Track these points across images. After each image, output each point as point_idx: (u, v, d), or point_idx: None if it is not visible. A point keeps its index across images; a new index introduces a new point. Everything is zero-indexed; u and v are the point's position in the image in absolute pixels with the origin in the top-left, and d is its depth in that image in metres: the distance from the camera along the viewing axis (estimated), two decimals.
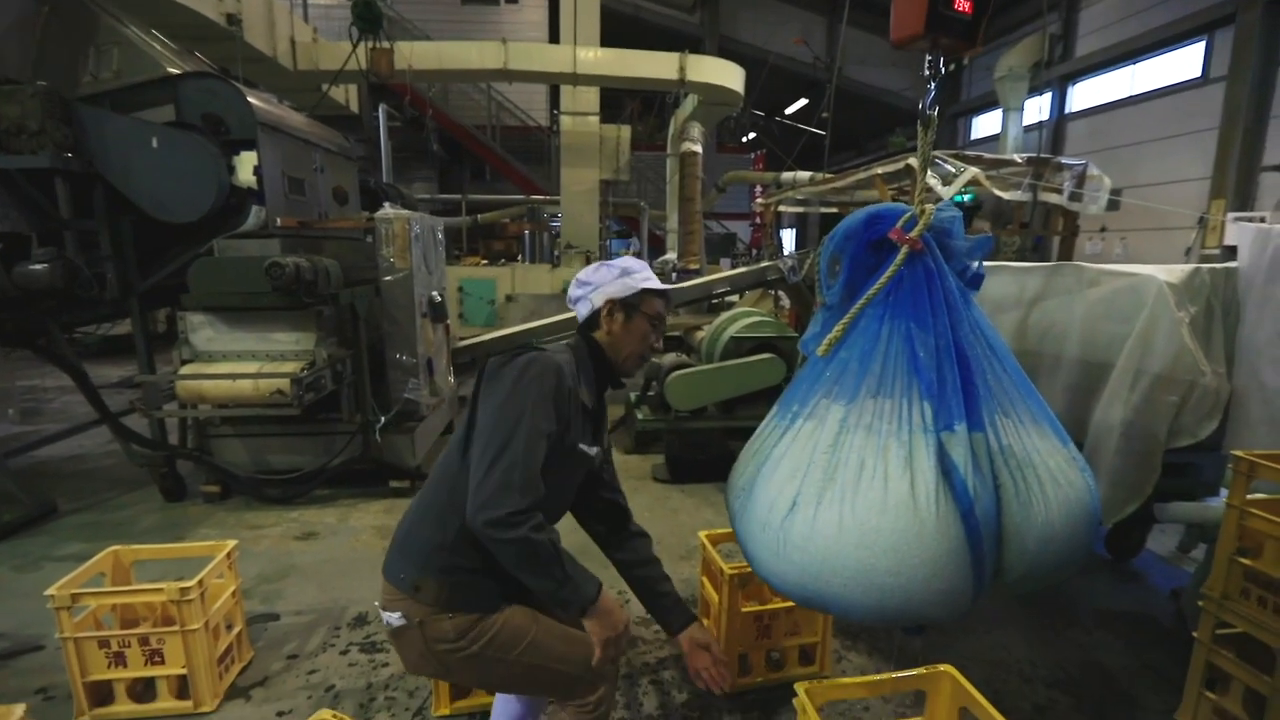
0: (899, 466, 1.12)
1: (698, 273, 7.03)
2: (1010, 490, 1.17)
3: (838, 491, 1.14)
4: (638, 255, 11.33)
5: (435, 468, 1.41)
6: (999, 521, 1.16)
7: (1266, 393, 2.40)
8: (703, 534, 2.29)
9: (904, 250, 1.24)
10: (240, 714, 1.96)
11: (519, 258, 9.86)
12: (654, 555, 1.64)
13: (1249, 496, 1.87)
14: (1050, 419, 1.31)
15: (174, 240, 3.39)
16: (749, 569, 2.02)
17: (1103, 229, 11.72)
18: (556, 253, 8.93)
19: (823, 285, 1.39)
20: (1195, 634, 2.00)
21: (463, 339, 5.33)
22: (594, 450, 1.42)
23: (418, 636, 1.29)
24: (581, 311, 1.45)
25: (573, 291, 1.47)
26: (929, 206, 1.27)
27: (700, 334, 5.20)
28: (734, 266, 10.15)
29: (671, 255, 8.39)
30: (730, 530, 2.39)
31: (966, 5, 1.13)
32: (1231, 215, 9.17)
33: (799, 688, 1.26)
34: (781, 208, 7.64)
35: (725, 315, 4.91)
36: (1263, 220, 8.12)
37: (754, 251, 11.43)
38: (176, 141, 3.16)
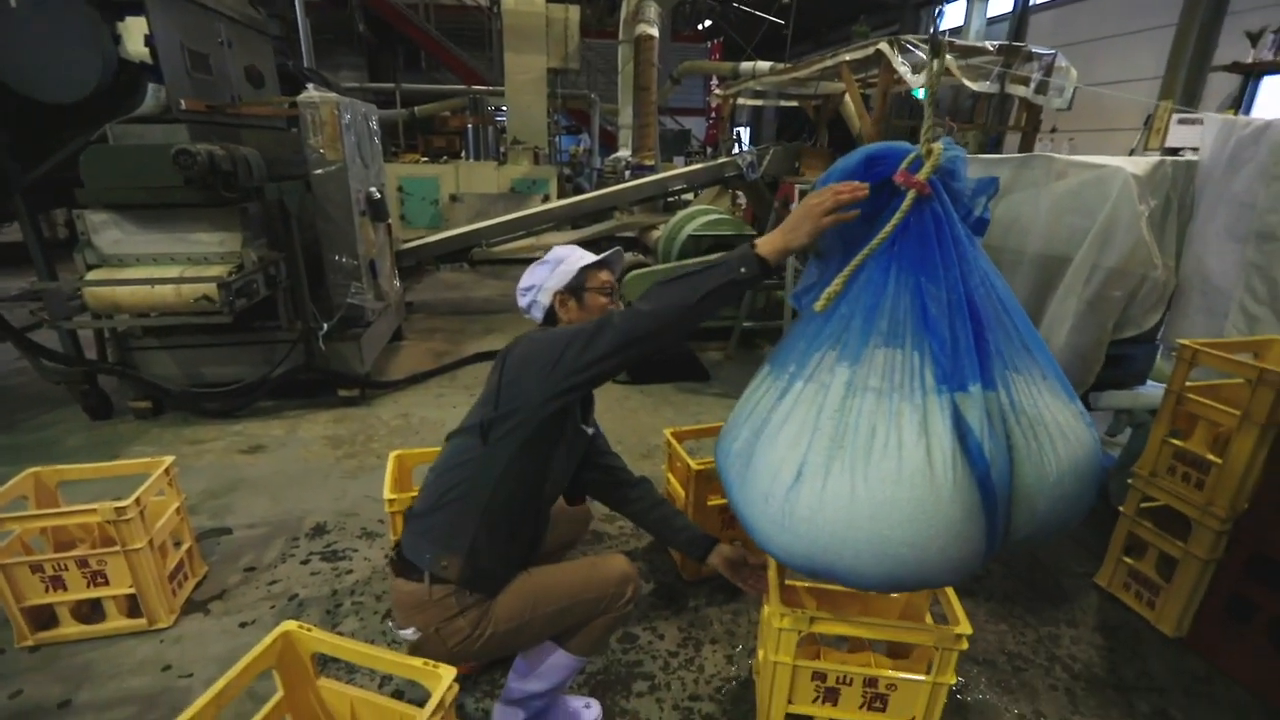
0: (914, 433, 1.04)
1: (653, 169, 6.72)
2: (1023, 450, 1.11)
3: (847, 460, 1.06)
4: (588, 152, 10.77)
5: (449, 454, 1.40)
6: (1011, 483, 1.10)
7: (1208, 285, 2.49)
8: (668, 431, 2.29)
9: (911, 195, 1.11)
10: (200, 627, 1.92)
11: (462, 154, 9.16)
12: (660, 496, 1.74)
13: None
14: (1057, 372, 1.24)
15: (61, 126, 2.93)
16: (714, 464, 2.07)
17: (1053, 129, 11.72)
18: (503, 149, 8.35)
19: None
20: (1121, 508, 2.17)
21: (406, 242, 5.02)
22: (590, 430, 1.52)
23: (436, 642, 1.32)
24: (537, 315, 1.50)
25: (521, 301, 1.52)
26: (936, 145, 1.12)
27: (656, 233, 5.05)
28: (689, 164, 9.81)
29: (624, 152, 7.98)
30: (696, 427, 2.44)
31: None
32: (1176, 117, 9.29)
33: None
34: (741, 100, 7.27)
35: (682, 213, 4.75)
36: (1197, 119, 8.25)
37: (709, 149, 11.00)
38: (41, 0, 2.65)
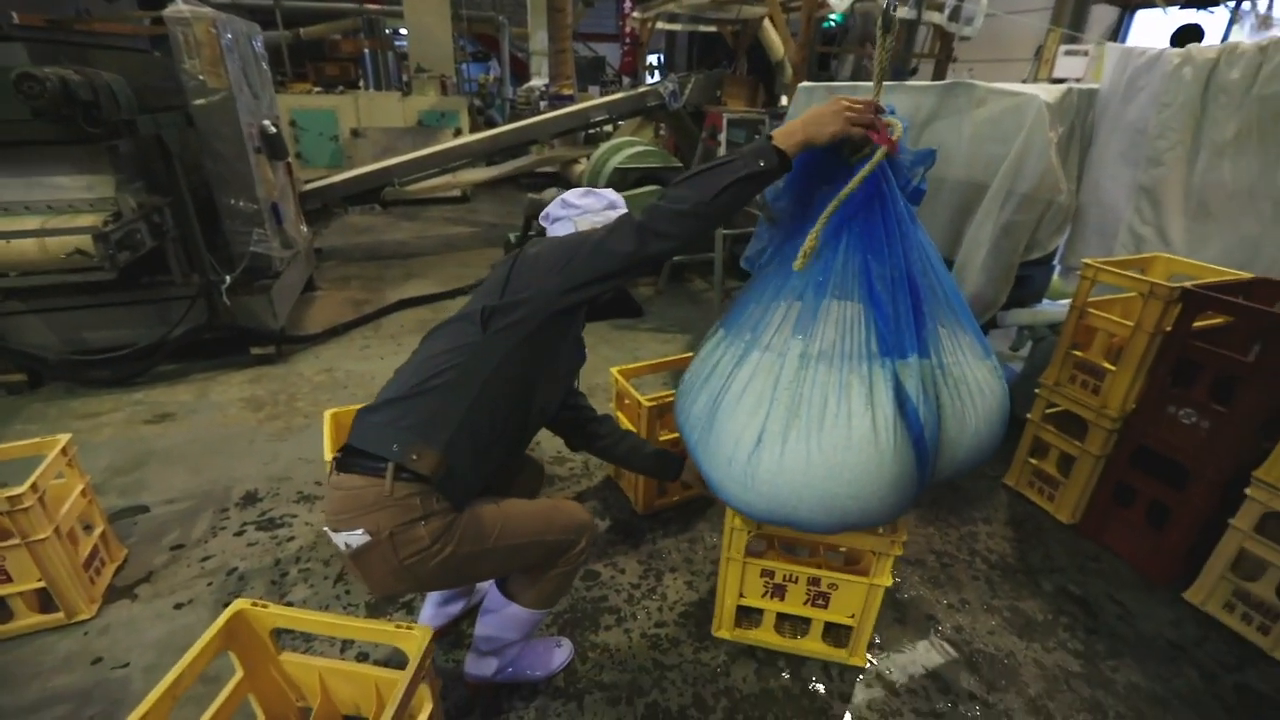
0: (861, 403, 1.13)
1: (572, 99, 6.40)
2: (949, 409, 1.23)
3: (803, 429, 1.14)
4: (499, 81, 10.09)
5: (436, 339, 1.29)
6: (939, 438, 1.23)
7: (1103, 207, 2.69)
8: (614, 370, 2.28)
9: (881, 151, 1.12)
10: (129, 614, 1.78)
11: (360, 84, 8.33)
12: (624, 430, 1.76)
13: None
14: (976, 331, 1.35)
15: None
16: (667, 400, 2.09)
17: (954, 59, 12.10)
18: (406, 78, 7.65)
19: (767, 200, 1.30)
20: (1029, 415, 2.40)
21: (308, 183, 4.59)
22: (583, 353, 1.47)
23: (388, 550, 1.14)
24: (557, 230, 1.44)
25: (555, 210, 1.46)
26: (892, 119, 1.15)
27: (579, 167, 4.88)
28: (604, 94, 9.43)
29: (538, 81, 7.54)
30: (640, 365, 2.44)
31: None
32: (1063, 48, 9.79)
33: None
34: (660, 24, 6.96)
35: (606, 146, 4.59)
36: (1086, 54, 8.76)
37: (625, 78, 10.58)
38: None
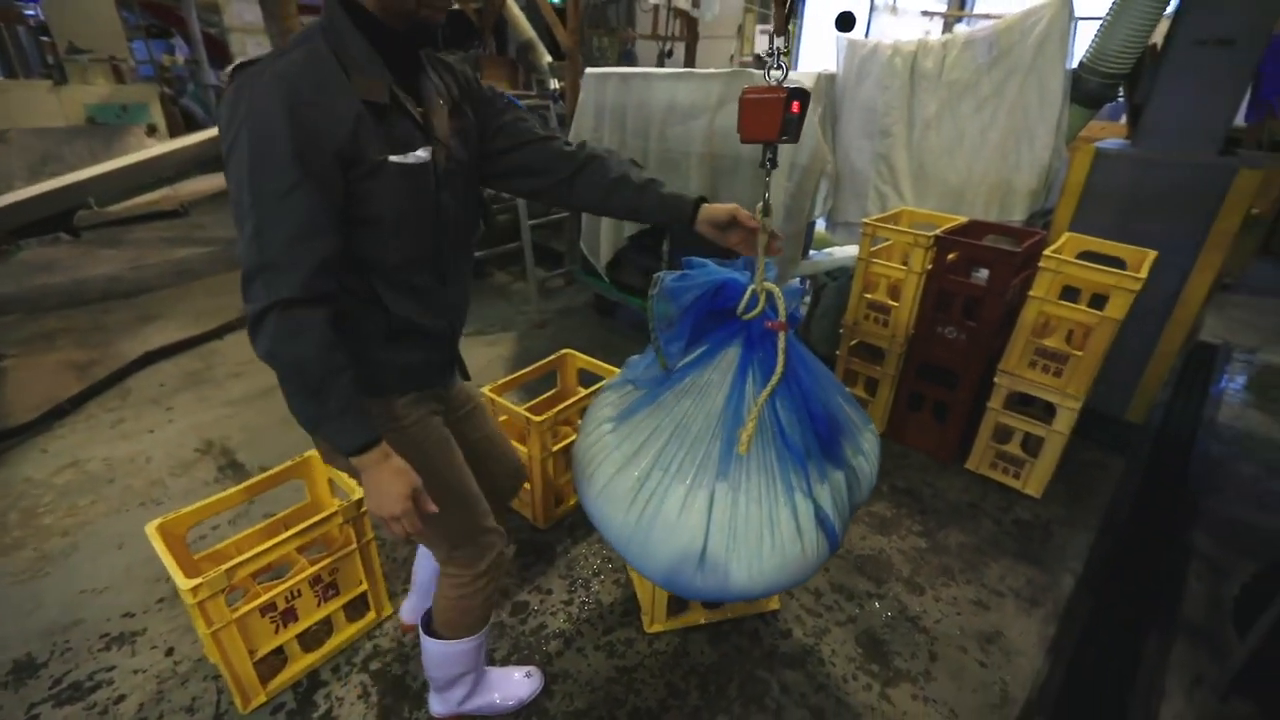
0: (791, 533, 1.20)
1: None
2: (850, 494, 1.33)
3: (743, 557, 1.19)
4: (194, 64, 8.25)
5: None
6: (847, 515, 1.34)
7: (854, 173, 3.29)
8: (487, 390, 2.15)
9: (783, 337, 1.18)
10: None
11: None
12: (624, 163, 1.27)
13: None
14: (848, 417, 1.41)
15: None
16: (554, 412, 2.05)
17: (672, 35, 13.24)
18: (52, 60, 5.79)
19: (661, 345, 1.27)
20: (838, 351, 2.87)
21: None
22: (418, 157, 1.01)
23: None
24: None
25: None
26: (770, 285, 1.20)
27: None
28: None
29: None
30: (511, 377, 2.33)
31: (795, 105, 1.15)
32: (759, 27, 11.35)
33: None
34: None
35: None
36: (768, 32, 10.28)
37: None
38: None
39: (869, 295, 2.67)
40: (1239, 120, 2.97)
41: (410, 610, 1.77)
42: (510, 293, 4.38)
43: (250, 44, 6.38)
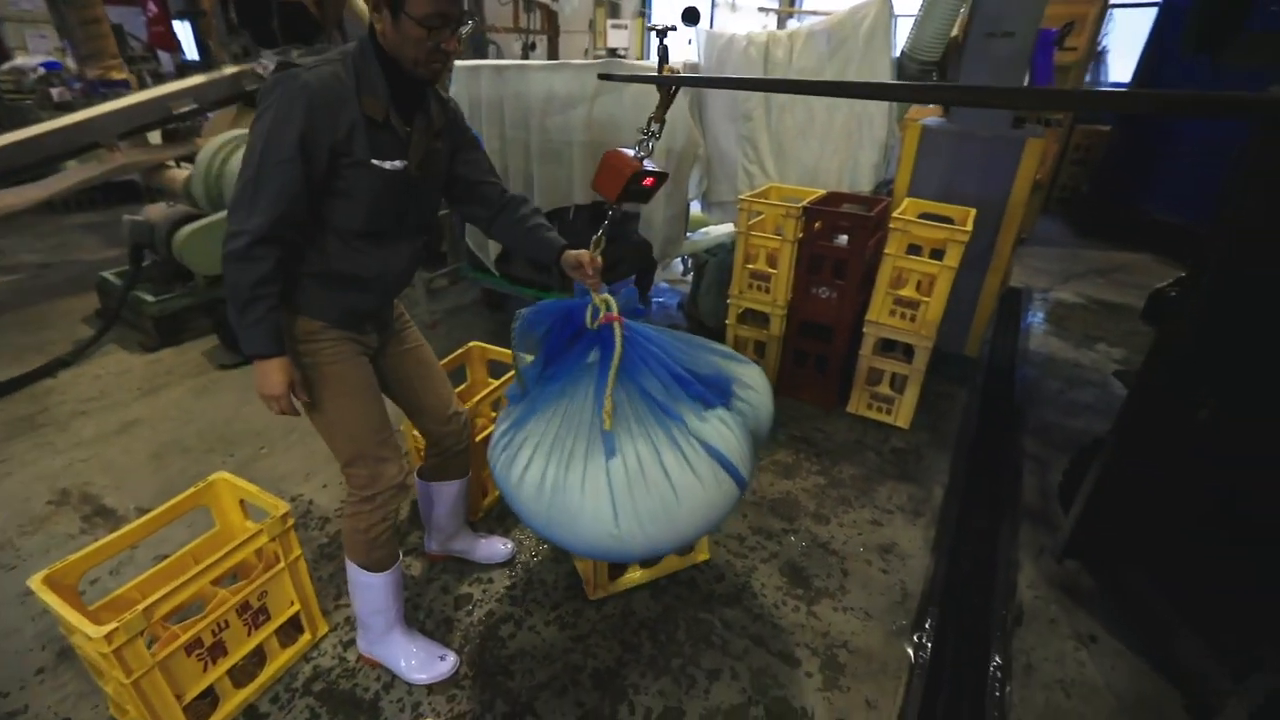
0: (687, 476, 1.30)
1: (126, 85, 4.86)
2: (746, 420, 1.46)
3: (653, 511, 1.28)
4: None
5: None
6: (749, 442, 1.45)
7: (722, 155, 3.53)
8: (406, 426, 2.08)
9: (618, 327, 1.36)
10: None
11: None
12: (531, 213, 1.59)
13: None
14: (720, 351, 1.56)
15: None
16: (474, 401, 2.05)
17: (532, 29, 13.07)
18: None
19: (519, 368, 1.45)
20: (727, 322, 3.10)
21: None
22: (394, 165, 1.32)
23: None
24: None
25: None
26: (605, 296, 1.40)
27: (179, 174, 3.87)
28: (138, 75, 7.35)
29: (29, 59, 5.45)
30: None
31: (649, 181, 1.41)
32: (610, 22, 11.55)
33: None
34: None
35: (214, 143, 3.74)
36: (624, 25, 10.54)
37: (160, 53, 8.32)
38: None
39: (750, 265, 2.92)
40: None
41: (429, 543, 2.01)
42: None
43: (30, 35, 5.44)
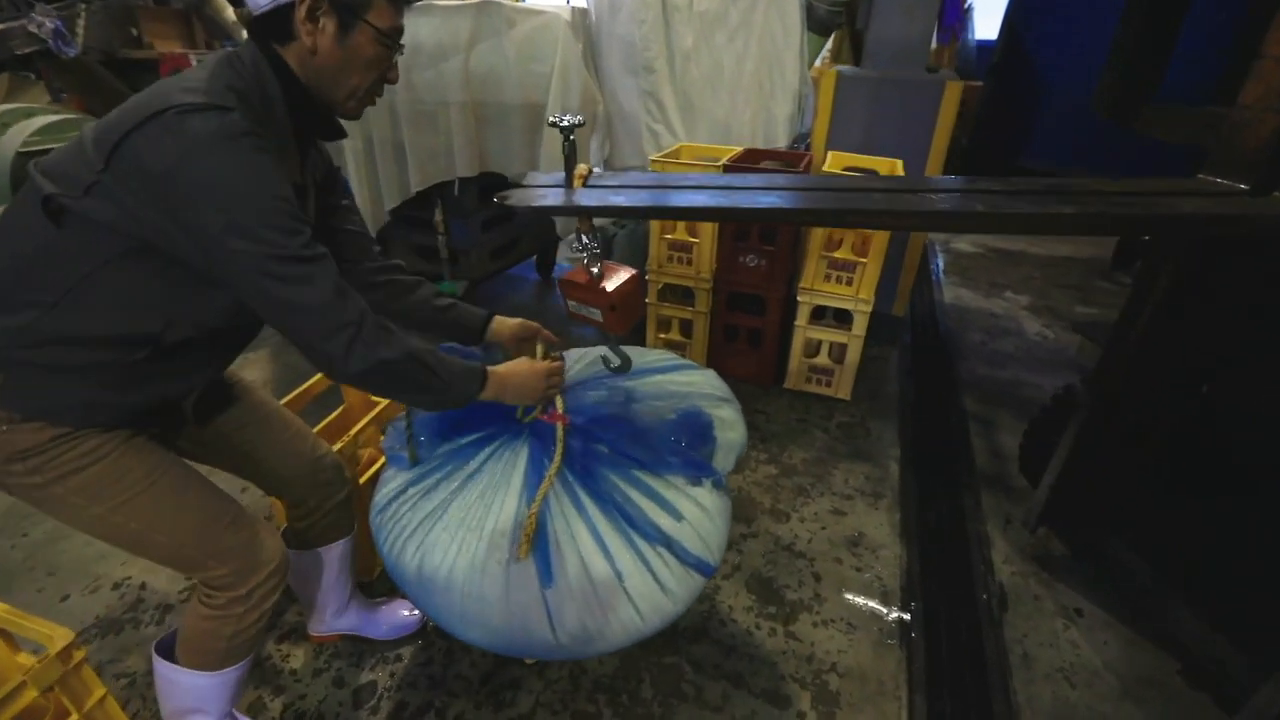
0: (653, 592, 1.10)
1: None
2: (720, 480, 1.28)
3: (614, 636, 1.08)
4: None
5: None
6: None
7: (624, 114, 3.13)
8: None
9: (560, 427, 1.20)
10: None
11: None
12: (426, 293, 1.31)
13: None
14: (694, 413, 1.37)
15: None
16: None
17: None
18: None
19: (414, 439, 1.24)
20: (647, 300, 2.77)
21: None
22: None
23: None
24: (259, 2, 0.92)
25: None
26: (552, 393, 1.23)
27: None
28: None
29: None
30: (290, 398, 1.76)
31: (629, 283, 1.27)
32: None
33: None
34: None
35: None
36: None
37: None
38: None
39: (668, 236, 2.59)
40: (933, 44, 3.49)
41: (313, 624, 1.53)
42: None
43: None
